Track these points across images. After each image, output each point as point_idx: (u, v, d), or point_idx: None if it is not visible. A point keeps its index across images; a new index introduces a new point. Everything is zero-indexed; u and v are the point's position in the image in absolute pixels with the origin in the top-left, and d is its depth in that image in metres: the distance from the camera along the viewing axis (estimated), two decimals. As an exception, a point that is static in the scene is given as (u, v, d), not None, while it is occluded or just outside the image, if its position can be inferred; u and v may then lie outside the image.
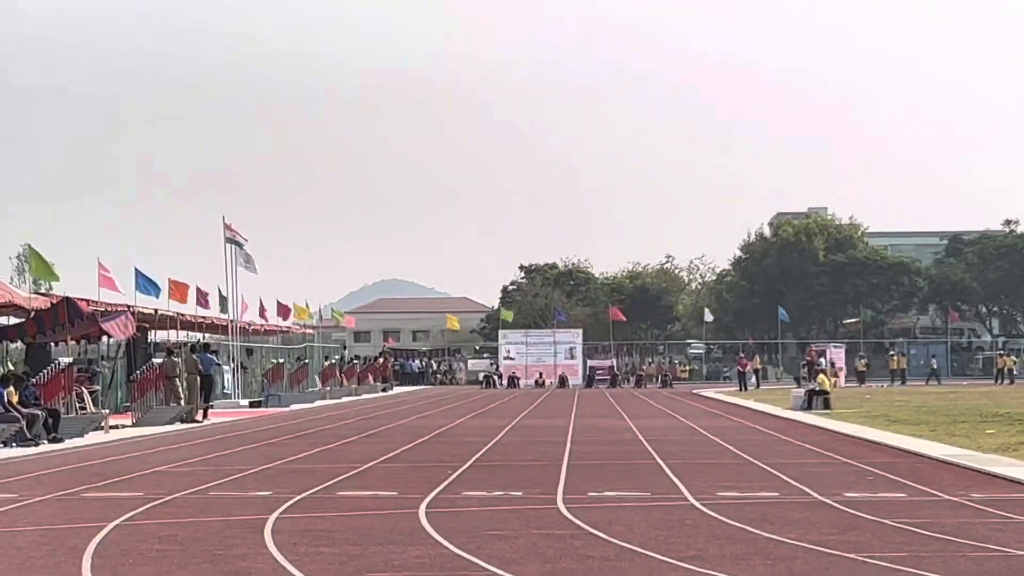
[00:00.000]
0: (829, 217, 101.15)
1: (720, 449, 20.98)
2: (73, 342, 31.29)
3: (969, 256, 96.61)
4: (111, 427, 27.80)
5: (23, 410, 23.36)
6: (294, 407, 42.45)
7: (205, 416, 33.22)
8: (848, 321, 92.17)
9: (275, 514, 12.18)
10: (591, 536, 10.51)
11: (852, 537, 10.33)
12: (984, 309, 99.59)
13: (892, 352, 75.64)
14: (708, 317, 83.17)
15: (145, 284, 38.28)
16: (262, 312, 55.04)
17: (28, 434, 23.01)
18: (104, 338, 37.07)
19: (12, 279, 70.49)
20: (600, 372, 73.66)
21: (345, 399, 51.77)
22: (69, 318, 28.35)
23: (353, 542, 10.27)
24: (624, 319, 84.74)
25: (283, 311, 57.32)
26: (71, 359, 29.27)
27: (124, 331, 31.99)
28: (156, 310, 39.72)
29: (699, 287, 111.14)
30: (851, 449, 20.49)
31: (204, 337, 45.56)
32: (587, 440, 23.50)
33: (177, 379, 31.87)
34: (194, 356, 33.53)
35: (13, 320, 32.58)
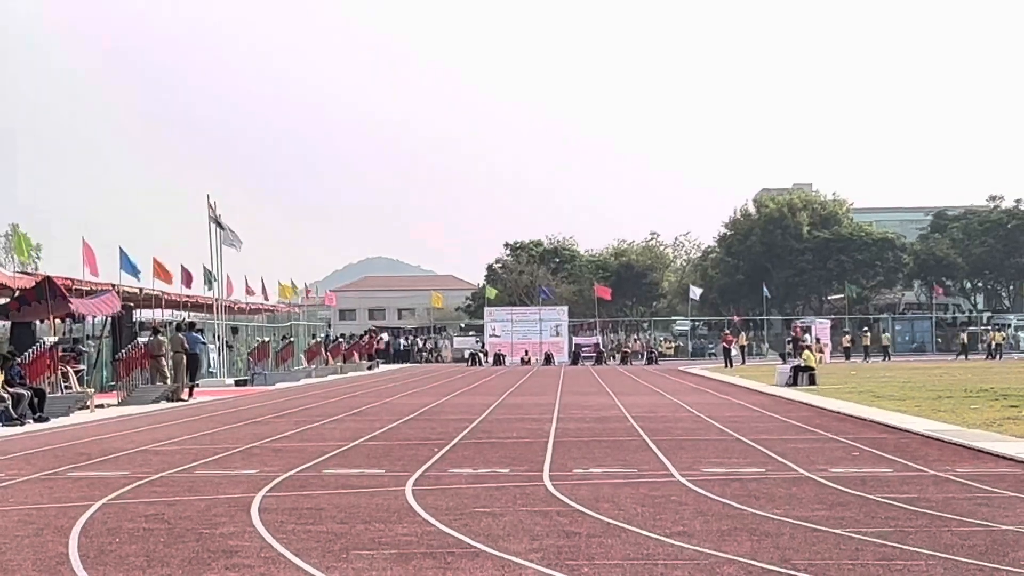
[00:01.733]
0: (814, 193, 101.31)
1: (706, 426, 21.01)
2: (58, 321, 31.20)
3: (954, 232, 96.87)
4: (96, 406, 27.76)
5: (9, 389, 23.31)
6: (280, 385, 42.47)
7: (191, 395, 33.20)
8: (833, 297, 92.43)
9: (262, 492, 12.16)
10: (578, 513, 10.51)
11: (838, 513, 10.35)
12: (969, 285, 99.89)
13: (865, 328, 75.80)
14: (695, 295, 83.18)
15: (129, 264, 38.22)
16: (248, 291, 54.89)
17: (13, 414, 22.98)
18: (89, 317, 37.00)
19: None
20: (586, 349, 73.84)
21: (331, 377, 51.80)
22: (49, 297, 28.28)
23: (340, 520, 10.25)
24: (609, 297, 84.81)
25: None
26: (56, 338, 29.20)
27: (108, 309, 31.93)
28: (140, 289, 39.67)
29: (684, 264, 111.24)
30: (837, 425, 20.54)
31: (189, 316, 45.49)
32: (573, 417, 23.50)
33: (163, 358, 31.81)
34: (180, 335, 33.45)
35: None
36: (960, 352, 69.31)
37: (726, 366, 56.90)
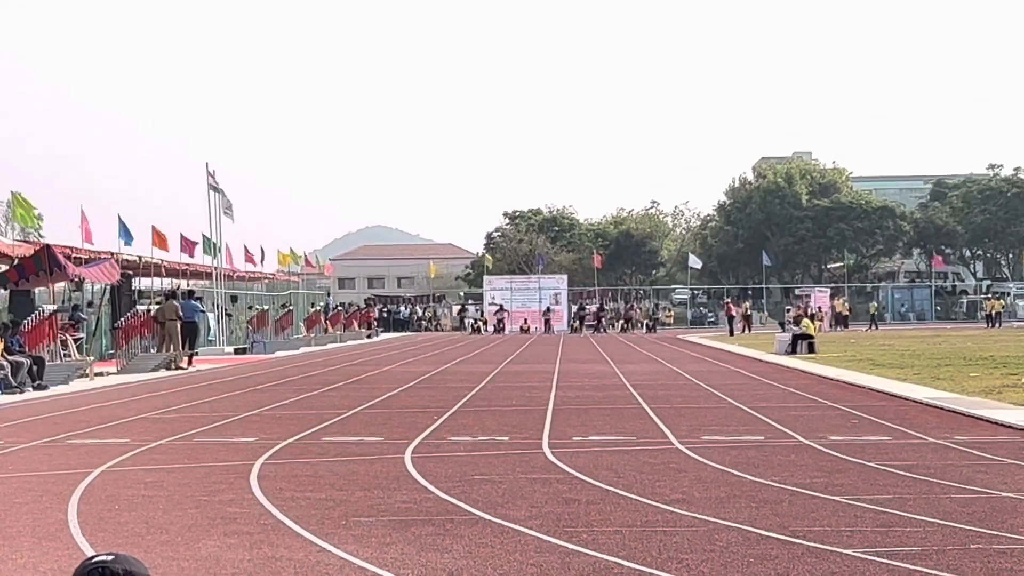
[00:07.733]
0: (813, 162, 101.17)
1: (705, 394, 21.02)
2: (58, 287, 31.19)
3: (953, 200, 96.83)
4: (96, 374, 27.77)
5: (8, 357, 23.30)
6: (279, 354, 42.47)
7: (190, 363, 33.16)
8: (832, 266, 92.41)
9: (261, 460, 12.17)
10: (576, 480, 10.51)
11: (837, 480, 10.35)
12: (968, 253, 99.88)
13: (844, 298, 75.42)
14: (696, 263, 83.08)
15: (126, 232, 38.17)
16: (248, 258, 54.78)
17: (13, 381, 22.99)
18: (88, 284, 36.98)
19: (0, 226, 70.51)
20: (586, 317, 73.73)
21: (330, 346, 51.79)
22: (49, 266, 28.25)
23: (339, 487, 10.25)
24: (599, 267, 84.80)
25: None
26: (55, 306, 29.19)
27: (107, 277, 31.90)
28: (140, 257, 39.60)
29: (684, 233, 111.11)
30: (836, 393, 20.55)
31: (188, 284, 45.48)
32: (572, 385, 23.53)
33: (170, 324, 31.80)
34: (175, 303, 33.26)
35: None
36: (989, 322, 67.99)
37: (730, 334, 56.87)
